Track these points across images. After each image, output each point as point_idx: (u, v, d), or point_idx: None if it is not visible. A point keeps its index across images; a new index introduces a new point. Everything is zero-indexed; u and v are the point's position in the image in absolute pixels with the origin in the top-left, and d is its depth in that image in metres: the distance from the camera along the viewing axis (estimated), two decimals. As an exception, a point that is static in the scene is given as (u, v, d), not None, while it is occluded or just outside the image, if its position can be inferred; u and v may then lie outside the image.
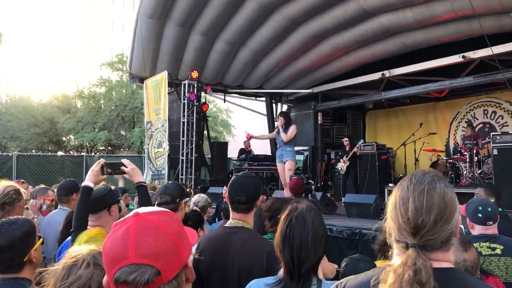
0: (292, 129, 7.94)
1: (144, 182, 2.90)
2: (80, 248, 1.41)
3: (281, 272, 1.92)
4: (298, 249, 1.86)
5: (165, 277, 0.98)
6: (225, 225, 2.56)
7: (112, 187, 3.10)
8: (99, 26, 47.07)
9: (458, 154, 9.72)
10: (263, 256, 2.22)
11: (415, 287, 1.13)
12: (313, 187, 6.64)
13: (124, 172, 2.82)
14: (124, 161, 2.83)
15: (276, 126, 8.52)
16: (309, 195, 6.18)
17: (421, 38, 9.61)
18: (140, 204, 2.77)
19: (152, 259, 0.97)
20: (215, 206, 6.95)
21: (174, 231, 1.03)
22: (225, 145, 13.17)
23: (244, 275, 2.22)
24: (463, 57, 9.03)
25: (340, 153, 11.34)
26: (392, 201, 1.30)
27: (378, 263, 2.59)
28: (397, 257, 1.25)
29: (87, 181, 2.73)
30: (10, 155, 15.03)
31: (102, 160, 2.80)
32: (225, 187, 8.42)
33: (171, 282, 1.00)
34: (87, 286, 1.31)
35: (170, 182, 5.07)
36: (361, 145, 10.74)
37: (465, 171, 9.41)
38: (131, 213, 1.06)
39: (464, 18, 8.59)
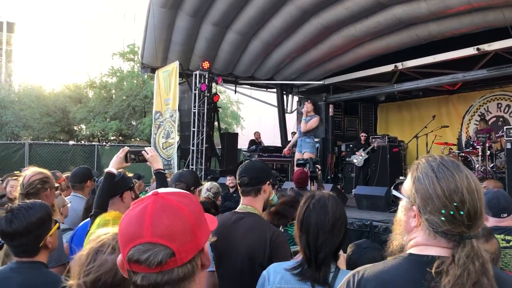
0: (315, 120, 7.78)
1: (163, 169, 2.96)
2: (104, 231, 1.39)
3: (301, 257, 1.93)
4: (315, 235, 1.87)
5: (179, 259, 0.96)
6: (235, 210, 2.57)
7: (130, 175, 3.13)
8: (111, 16, 47.19)
9: (471, 148, 9.64)
10: (266, 241, 2.23)
11: (484, 280, 1.10)
12: (319, 172, 6.53)
13: (146, 160, 2.92)
14: (147, 148, 2.98)
15: (300, 113, 8.19)
16: (314, 182, 6.10)
17: (435, 30, 9.48)
18: None
19: (167, 239, 0.95)
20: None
21: (193, 214, 1.01)
22: (235, 136, 13.19)
23: (247, 260, 2.23)
24: (478, 49, 8.90)
25: (351, 146, 11.33)
26: (432, 195, 1.20)
27: None
28: (430, 249, 1.20)
29: (111, 167, 2.82)
30: (22, 143, 15.18)
31: (126, 148, 2.92)
32: (228, 177, 8.40)
33: (186, 265, 0.97)
34: (113, 271, 1.28)
35: (184, 169, 5.09)
36: (372, 137, 10.79)
37: (477, 165, 9.33)
38: (150, 192, 1.04)
39: (479, 10, 8.46)
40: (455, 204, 1.17)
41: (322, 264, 1.84)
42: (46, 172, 3.07)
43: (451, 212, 1.17)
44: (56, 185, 3.21)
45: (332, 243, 1.88)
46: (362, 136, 11.03)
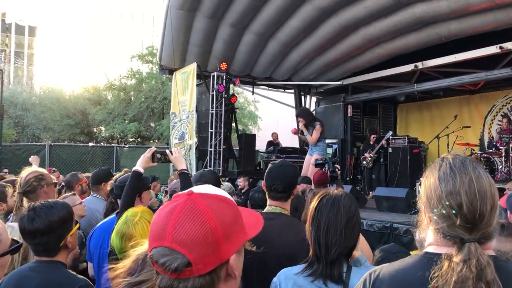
0: (317, 130, 7.62)
1: (187, 170, 3.00)
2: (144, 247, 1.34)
3: (309, 259, 1.89)
4: (325, 231, 1.84)
5: (196, 270, 0.92)
6: (262, 211, 2.54)
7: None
8: (130, 18, 47.76)
9: (493, 148, 9.45)
10: (305, 241, 2.19)
11: (480, 286, 1.06)
12: (339, 172, 6.47)
13: (171, 161, 3.05)
14: (172, 149, 3.12)
15: (298, 128, 8.07)
16: (334, 184, 6.05)
17: (456, 28, 9.30)
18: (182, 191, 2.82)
19: (185, 247, 0.91)
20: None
21: (222, 223, 0.95)
22: (253, 137, 13.14)
23: (285, 260, 2.19)
24: (501, 47, 8.70)
25: (361, 148, 11.21)
26: (432, 194, 1.21)
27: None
28: (442, 248, 1.18)
29: (138, 166, 2.90)
30: (43, 144, 15.42)
31: (153, 148, 3.01)
32: (239, 179, 8.34)
33: (203, 277, 0.93)
34: None
35: (205, 169, 5.11)
36: (390, 137, 10.58)
37: (500, 166, 9.14)
38: (187, 190, 1.01)
39: (502, 7, 8.27)
40: (449, 205, 1.16)
41: (335, 262, 1.81)
42: (42, 170, 3.17)
43: (446, 214, 1.16)
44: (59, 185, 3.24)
45: (345, 242, 1.84)
46: (372, 137, 10.88)
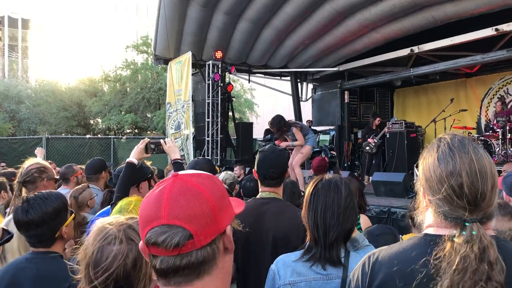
0: (296, 132, 7.35)
1: (181, 159, 3.00)
2: (108, 220, 1.36)
3: (306, 244, 1.90)
4: (323, 215, 1.84)
5: (197, 241, 0.92)
6: (256, 197, 2.55)
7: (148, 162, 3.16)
8: (124, 9, 47.40)
9: (490, 131, 9.46)
10: (300, 224, 2.21)
11: (484, 268, 1.05)
12: (337, 160, 6.48)
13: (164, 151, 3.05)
14: (166, 140, 3.11)
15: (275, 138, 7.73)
16: (331, 170, 6.08)
17: (452, 11, 9.24)
18: None
19: (184, 220, 0.92)
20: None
21: (214, 195, 0.97)
22: (250, 125, 13.14)
23: (281, 242, 2.21)
24: (496, 30, 8.66)
25: (362, 133, 11.13)
26: (432, 175, 1.19)
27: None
28: (443, 230, 1.17)
29: (132, 157, 2.90)
30: (39, 137, 15.37)
31: (146, 139, 3.01)
32: (235, 168, 8.33)
33: (205, 248, 0.94)
34: (121, 264, 1.26)
35: (200, 157, 5.08)
36: (393, 122, 10.58)
37: (498, 148, 9.16)
38: (170, 175, 1.02)
39: (497, -11, 8.23)
40: (451, 186, 1.14)
41: (334, 244, 1.81)
42: (45, 163, 3.15)
43: (447, 195, 1.15)
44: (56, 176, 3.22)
45: (343, 224, 1.85)
46: (376, 120, 10.79)
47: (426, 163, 1.23)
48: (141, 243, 0.98)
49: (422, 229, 1.27)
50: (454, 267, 1.06)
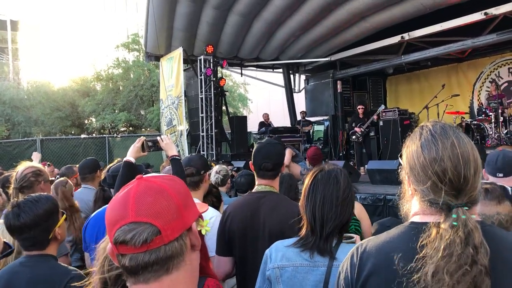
0: (288, 154, 6.22)
1: (178, 156, 2.99)
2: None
3: (302, 233, 1.91)
4: (321, 205, 1.85)
5: (165, 236, 0.94)
6: (252, 191, 2.56)
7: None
8: (113, 8, 47.08)
9: (483, 115, 9.49)
10: (295, 217, 2.22)
11: (468, 251, 1.06)
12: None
13: (162, 148, 3.03)
14: (162, 136, 3.09)
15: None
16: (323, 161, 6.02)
17: (441, -3, 9.26)
18: None
19: (151, 217, 0.94)
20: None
21: (178, 194, 1.00)
22: (244, 119, 13.14)
23: (276, 236, 2.22)
24: (485, 14, 8.68)
25: (349, 121, 11.10)
26: (415, 163, 1.20)
27: None
28: (428, 217, 1.18)
29: (129, 156, 2.88)
30: (34, 139, 15.29)
31: (142, 138, 3.00)
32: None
33: (173, 243, 0.96)
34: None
35: (193, 154, 5.09)
36: (382, 110, 10.55)
37: (491, 132, 9.20)
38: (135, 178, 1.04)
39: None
40: (435, 173, 1.15)
41: (329, 236, 1.83)
42: (40, 166, 3.11)
43: (432, 182, 1.15)
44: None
45: (340, 217, 1.85)
46: (359, 109, 10.77)
47: (410, 152, 1.23)
48: (109, 247, 0.99)
49: (409, 217, 1.27)
50: (440, 252, 1.07)
